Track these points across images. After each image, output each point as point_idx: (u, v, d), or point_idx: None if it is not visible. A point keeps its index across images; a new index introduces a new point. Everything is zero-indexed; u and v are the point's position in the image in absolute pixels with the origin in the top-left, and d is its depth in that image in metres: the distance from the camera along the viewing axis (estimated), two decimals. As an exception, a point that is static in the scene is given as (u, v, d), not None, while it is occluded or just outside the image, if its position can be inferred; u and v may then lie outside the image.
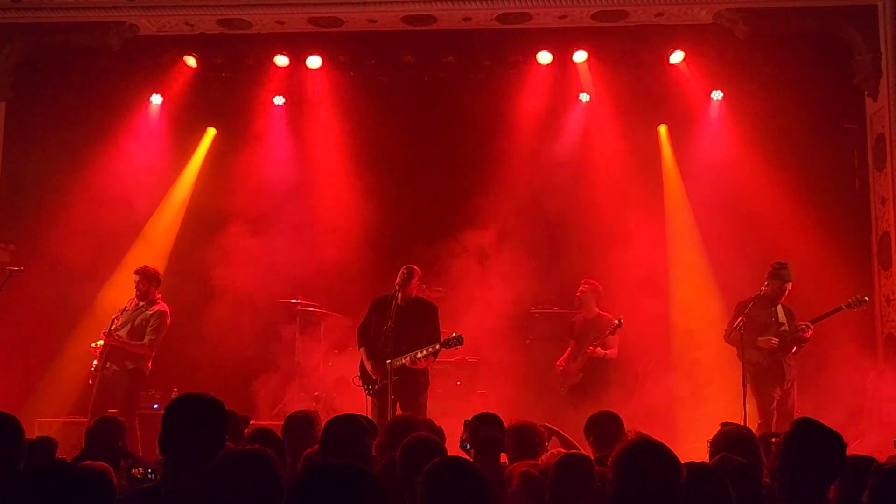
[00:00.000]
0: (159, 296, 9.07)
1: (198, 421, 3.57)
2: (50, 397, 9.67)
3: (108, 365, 8.73)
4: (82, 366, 9.10)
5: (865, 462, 4.12)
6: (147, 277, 8.96)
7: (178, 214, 10.94)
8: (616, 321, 9.17)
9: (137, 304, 9.01)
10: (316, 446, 4.69)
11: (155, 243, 10.67)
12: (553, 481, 3.95)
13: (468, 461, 3.56)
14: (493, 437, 5.17)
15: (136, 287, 8.99)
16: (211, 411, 3.62)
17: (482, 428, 5.23)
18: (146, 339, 8.84)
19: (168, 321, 8.98)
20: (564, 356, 9.56)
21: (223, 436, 3.64)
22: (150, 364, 8.95)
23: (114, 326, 8.79)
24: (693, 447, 6.19)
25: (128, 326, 8.86)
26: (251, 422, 6.34)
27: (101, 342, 8.77)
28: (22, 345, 9.83)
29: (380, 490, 2.46)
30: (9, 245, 10.19)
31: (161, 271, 9.28)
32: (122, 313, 8.95)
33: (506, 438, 5.21)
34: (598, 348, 9.21)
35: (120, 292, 9.23)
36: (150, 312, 8.93)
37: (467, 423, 4.92)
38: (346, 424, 4.42)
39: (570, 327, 9.69)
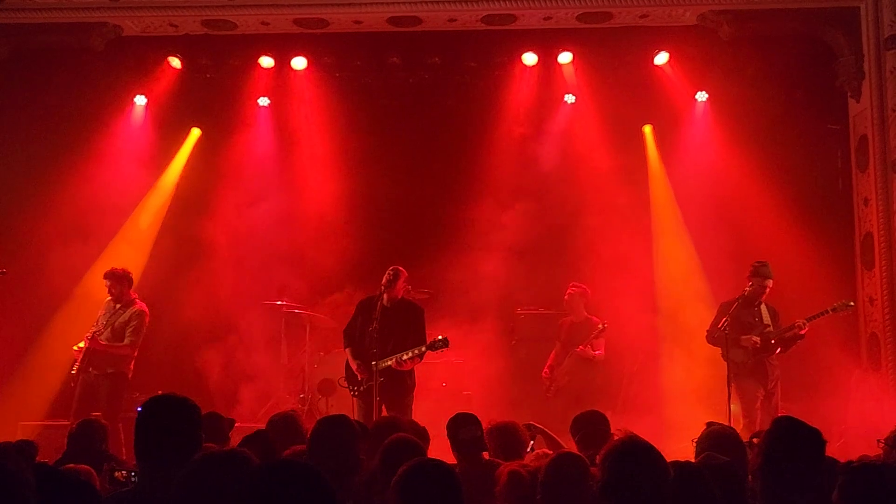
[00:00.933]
0: (135, 295, 9.02)
1: (171, 423, 3.57)
2: (32, 400, 9.58)
3: (89, 370, 8.70)
4: (64, 369, 9.03)
5: (829, 462, 4.15)
6: (118, 279, 8.91)
7: (159, 213, 10.86)
8: (601, 325, 9.23)
9: (114, 307, 8.96)
10: (296, 447, 4.68)
11: (135, 243, 10.59)
12: (546, 481, 3.94)
13: (442, 462, 3.56)
14: (474, 438, 5.16)
15: (108, 291, 8.94)
16: (184, 413, 3.61)
17: (462, 430, 5.22)
18: (127, 340, 8.81)
19: (147, 320, 8.95)
20: (549, 362, 9.58)
21: (198, 436, 3.63)
22: (132, 366, 8.92)
23: (96, 330, 8.74)
24: (679, 447, 6.22)
25: (108, 330, 8.82)
26: (236, 424, 6.30)
27: (82, 344, 8.72)
28: (3, 347, 9.75)
29: (327, 489, 2.48)
30: (-10, 248, 10.11)
31: (136, 272, 9.21)
32: (101, 317, 8.91)
33: (488, 438, 5.21)
34: (588, 348, 9.25)
35: (102, 293, 9.14)
36: (128, 313, 8.89)
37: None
38: (337, 425, 4.39)
39: (557, 330, 9.72)
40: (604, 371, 9.43)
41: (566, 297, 9.56)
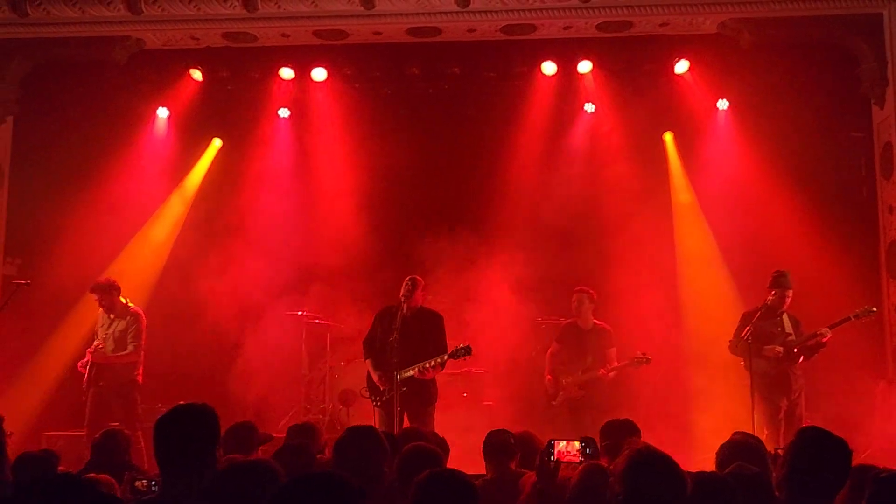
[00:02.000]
0: (125, 301, 9.06)
1: (192, 432, 3.58)
2: (56, 411, 9.66)
3: (99, 383, 8.78)
4: (80, 380, 9.07)
5: (865, 470, 4.08)
6: (104, 291, 8.95)
7: (177, 223, 10.93)
8: (643, 356, 8.91)
9: (109, 318, 9.01)
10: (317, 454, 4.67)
11: (156, 252, 10.65)
12: (573, 495, 3.91)
13: (458, 473, 3.54)
14: (504, 443, 5.13)
15: (99, 304, 8.99)
16: (204, 421, 3.62)
17: (493, 435, 5.21)
18: (130, 347, 8.88)
19: (144, 322, 9.01)
20: (549, 367, 9.29)
21: (218, 445, 3.63)
22: (140, 371, 8.97)
23: (97, 344, 8.78)
24: (703, 457, 6.17)
25: (110, 341, 8.89)
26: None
27: (86, 359, 8.80)
28: (28, 358, 9.83)
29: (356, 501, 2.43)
30: (15, 259, 10.21)
31: (152, 279, 9.27)
32: (100, 330, 8.98)
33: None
34: (611, 373, 9.01)
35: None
36: (125, 321, 8.94)
37: (550, 444, 4.61)
38: (362, 436, 4.36)
39: (560, 332, 9.41)
40: (616, 383, 9.25)
41: (574, 298, 9.25)
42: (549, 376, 9.27)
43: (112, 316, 9.00)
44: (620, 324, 9.37)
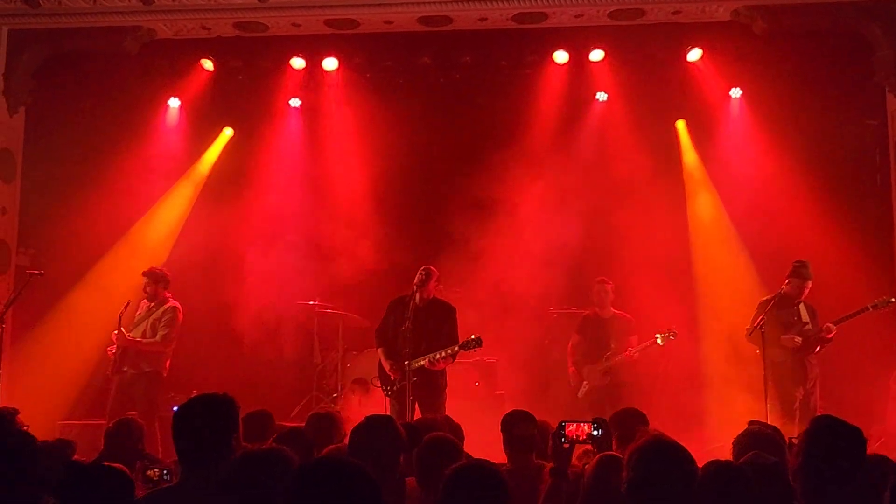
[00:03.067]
0: (169, 294, 9.08)
1: (210, 421, 3.58)
2: (71, 399, 9.70)
3: (124, 369, 8.75)
4: (102, 368, 9.11)
5: (882, 461, 4.06)
6: (154, 279, 8.98)
7: (185, 210, 10.91)
8: (668, 332, 8.91)
9: (149, 307, 9.03)
10: (336, 444, 4.67)
11: (164, 240, 10.67)
12: (592, 482, 3.91)
13: (488, 464, 3.52)
14: (528, 436, 5.12)
15: (143, 289, 9.01)
16: (222, 411, 3.63)
17: (517, 427, 5.17)
18: (158, 336, 8.85)
19: (180, 317, 8.99)
20: (571, 359, 9.31)
21: (236, 434, 3.64)
22: (167, 364, 8.96)
23: (122, 325, 8.78)
24: (716, 446, 6.14)
25: (142, 329, 8.88)
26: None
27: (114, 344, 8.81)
28: (43, 348, 9.88)
29: (372, 487, 2.41)
30: (28, 249, 10.26)
31: (169, 271, 9.27)
32: (136, 317, 8.98)
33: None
34: (636, 353, 9.03)
35: (128, 291, 9.23)
36: (160, 310, 8.95)
37: (561, 426, 4.51)
38: (380, 426, 4.33)
39: (581, 324, 9.43)
40: (635, 370, 9.27)
41: (596, 289, 9.28)
42: (572, 368, 9.27)
43: (151, 305, 9.02)
44: (636, 311, 9.35)
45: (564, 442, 4.30)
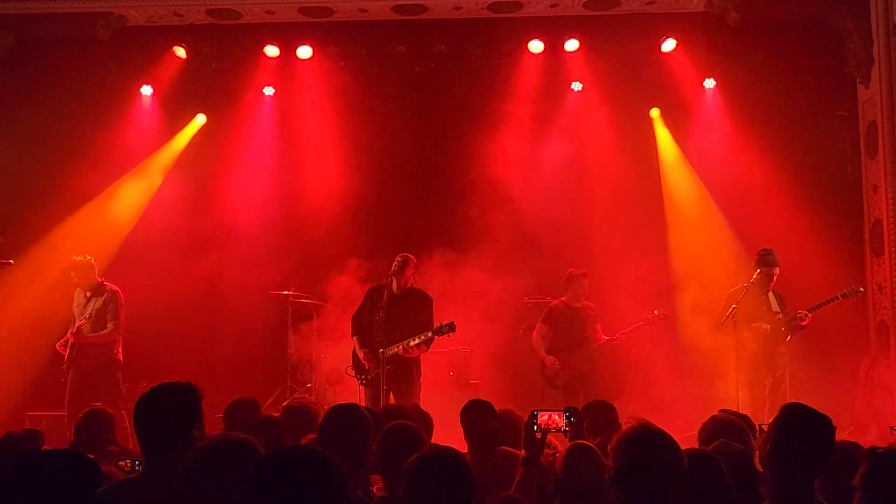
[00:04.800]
0: (102, 279, 8.97)
1: (173, 410, 3.56)
2: (39, 391, 9.58)
3: (80, 363, 8.67)
4: (58, 359, 8.99)
5: (851, 447, 4.11)
6: (80, 268, 8.85)
7: (149, 193, 10.73)
8: (656, 313, 9.08)
9: (85, 296, 8.90)
10: (313, 434, 4.64)
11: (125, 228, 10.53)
12: (564, 471, 3.90)
13: (454, 452, 3.51)
14: (490, 433, 5.10)
15: (75, 282, 8.89)
16: (185, 399, 3.61)
17: (477, 423, 5.15)
18: (109, 326, 8.78)
19: (122, 300, 8.89)
20: (544, 347, 9.20)
21: (200, 422, 3.62)
22: (120, 348, 8.89)
23: (80, 324, 8.70)
24: (686, 436, 6.19)
25: (87, 320, 8.75)
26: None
27: (65, 340, 8.71)
28: (11, 338, 9.75)
29: (336, 475, 2.37)
30: (-4, 237, 10.12)
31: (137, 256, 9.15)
32: (76, 309, 8.89)
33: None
34: (621, 336, 9.14)
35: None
36: (102, 299, 8.84)
37: (533, 415, 4.41)
38: (347, 414, 4.31)
39: (549, 313, 9.34)
40: (607, 358, 9.33)
41: (576, 282, 9.19)
42: (549, 358, 9.14)
43: (88, 294, 8.89)
44: (613, 299, 9.38)
45: (537, 431, 4.30)
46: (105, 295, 8.85)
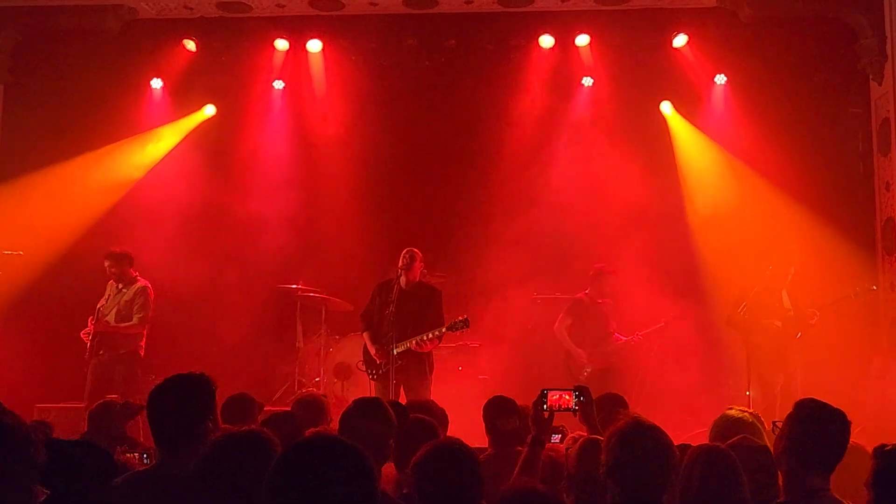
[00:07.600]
0: (136, 273, 8.99)
1: (185, 402, 3.55)
2: (49, 382, 9.60)
3: (101, 352, 8.68)
4: (79, 350, 9.01)
5: (858, 450, 4.08)
6: (117, 260, 8.86)
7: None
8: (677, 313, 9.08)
9: (117, 288, 8.92)
10: (324, 427, 4.63)
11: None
12: (577, 466, 3.90)
13: (460, 445, 3.51)
14: (512, 430, 5.03)
15: (108, 272, 8.90)
16: (198, 391, 3.59)
17: (500, 420, 5.09)
18: (135, 319, 8.78)
19: (152, 296, 8.91)
20: (571, 341, 9.17)
21: (213, 415, 3.60)
22: (143, 343, 8.91)
23: (101, 312, 8.72)
24: (697, 432, 6.17)
25: (113, 311, 8.80)
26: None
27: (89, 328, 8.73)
28: (20, 330, 9.77)
29: (365, 465, 2.29)
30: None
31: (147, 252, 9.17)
32: (106, 300, 8.90)
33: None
34: (642, 335, 9.18)
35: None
36: (131, 292, 8.86)
37: (543, 394, 4.42)
38: (371, 409, 4.24)
39: (572, 306, 9.31)
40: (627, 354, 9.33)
41: (601, 275, 9.15)
42: (578, 350, 9.10)
43: (120, 286, 8.92)
44: (619, 296, 9.33)
45: (545, 410, 4.30)
46: (135, 289, 8.88)
